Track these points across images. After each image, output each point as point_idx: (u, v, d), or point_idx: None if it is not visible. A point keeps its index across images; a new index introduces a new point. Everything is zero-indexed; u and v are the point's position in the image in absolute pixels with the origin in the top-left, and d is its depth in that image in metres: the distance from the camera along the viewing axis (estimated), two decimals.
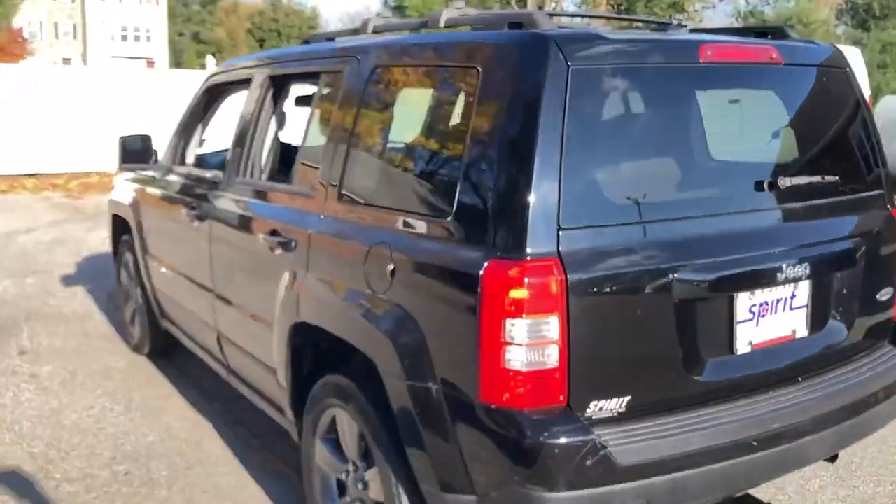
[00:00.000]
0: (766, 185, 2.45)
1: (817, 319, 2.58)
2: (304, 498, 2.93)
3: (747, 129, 3.10)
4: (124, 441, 3.75)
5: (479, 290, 2.07)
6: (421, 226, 2.36)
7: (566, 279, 2.05)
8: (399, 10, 31.62)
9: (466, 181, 2.22)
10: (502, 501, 2.13)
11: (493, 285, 2.06)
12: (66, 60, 51.87)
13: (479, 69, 2.29)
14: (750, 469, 2.30)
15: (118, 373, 4.58)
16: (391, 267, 2.35)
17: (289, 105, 3.72)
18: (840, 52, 2.83)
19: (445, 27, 2.76)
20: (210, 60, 18.09)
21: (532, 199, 2.07)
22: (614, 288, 2.14)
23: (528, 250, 2.05)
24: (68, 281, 6.57)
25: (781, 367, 2.51)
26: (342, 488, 2.70)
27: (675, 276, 2.22)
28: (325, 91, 3.16)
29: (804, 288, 2.52)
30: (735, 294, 2.36)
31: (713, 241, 2.34)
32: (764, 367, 2.46)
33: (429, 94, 2.83)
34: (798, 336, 2.54)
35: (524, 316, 2.03)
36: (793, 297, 2.50)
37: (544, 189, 2.08)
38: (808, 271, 2.49)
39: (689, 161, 2.64)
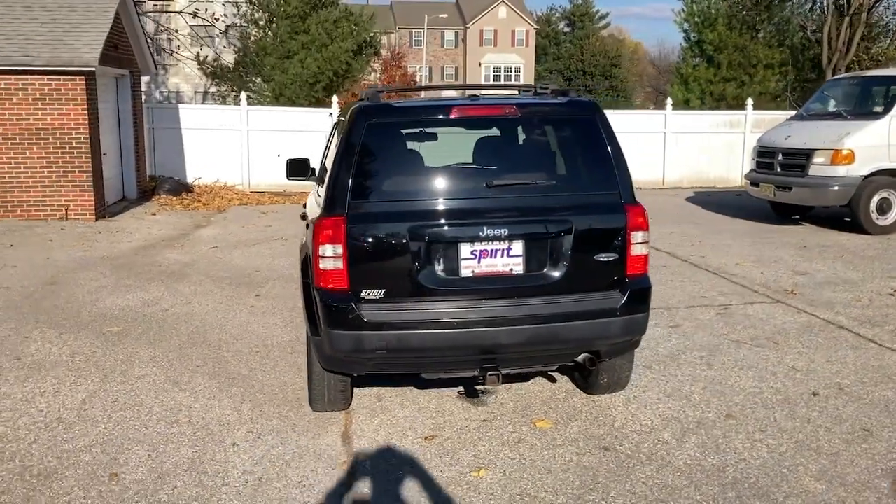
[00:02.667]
0: (485, 184, 4.36)
1: (532, 265, 4.35)
2: None
3: (487, 152, 4.86)
4: None
5: (314, 230, 4.38)
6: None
7: (346, 227, 4.23)
8: None
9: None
10: (322, 334, 4.35)
11: (317, 227, 4.33)
12: None
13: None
14: (449, 340, 4.23)
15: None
16: None
17: None
18: (587, 106, 4.53)
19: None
20: None
21: (338, 187, 4.30)
22: (376, 233, 4.24)
23: (332, 212, 4.29)
24: None
25: (498, 288, 4.34)
26: None
27: (421, 227, 4.23)
28: None
29: (519, 244, 4.33)
30: (459, 243, 4.30)
31: (449, 212, 4.31)
32: (483, 286, 4.34)
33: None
34: (515, 273, 4.36)
35: (327, 242, 4.26)
36: (509, 249, 4.33)
37: (343, 182, 4.29)
38: (521, 233, 4.30)
39: (442, 171, 4.52)
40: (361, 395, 5.21)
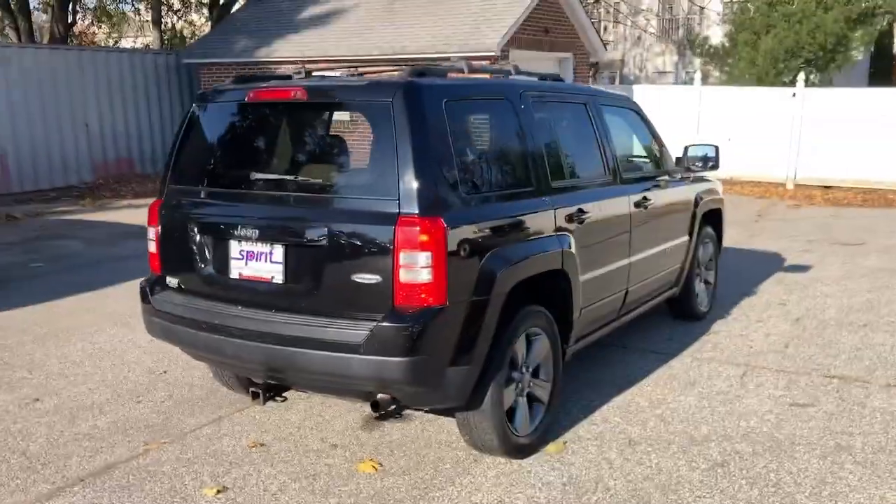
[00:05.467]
0: (254, 178, 3.76)
1: (291, 276, 3.66)
2: None
3: (270, 140, 3.93)
4: None
5: None
6: None
7: (158, 210, 4.18)
8: None
9: None
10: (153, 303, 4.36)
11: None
12: None
13: None
14: (204, 341, 3.86)
15: None
16: None
17: None
18: (386, 89, 3.53)
19: None
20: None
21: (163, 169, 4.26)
22: (171, 220, 4.08)
23: (159, 195, 4.28)
24: None
25: (258, 296, 3.77)
26: None
27: (198, 219, 3.97)
28: None
29: (280, 249, 3.69)
30: (229, 241, 3.85)
31: (222, 207, 3.91)
32: (245, 291, 3.82)
33: None
34: (275, 281, 3.72)
35: (148, 224, 4.29)
36: (271, 253, 3.72)
37: (165, 164, 4.24)
38: (282, 237, 3.67)
39: (228, 161, 4.08)
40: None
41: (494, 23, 14.14)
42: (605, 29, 30.76)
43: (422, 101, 3.52)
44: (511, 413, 3.99)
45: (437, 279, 3.39)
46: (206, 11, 26.34)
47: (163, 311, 4.08)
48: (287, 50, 15.88)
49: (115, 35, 31.36)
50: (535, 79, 4.81)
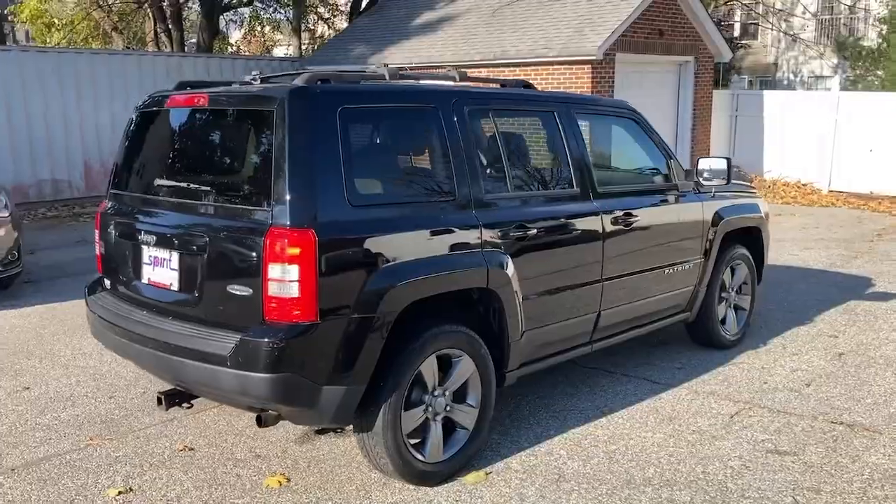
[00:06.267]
0: (160, 184, 3.77)
1: (183, 283, 3.65)
2: None
3: (179, 147, 3.82)
4: None
5: None
6: None
7: (100, 214, 4.31)
8: None
9: None
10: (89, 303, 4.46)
11: None
12: None
13: None
14: (120, 345, 3.92)
15: None
16: None
17: None
18: (272, 97, 3.43)
19: None
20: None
21: (113, 172, 4.39)
22: (103, 223, 4.18)
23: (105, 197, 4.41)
24: None
25: (160, 302, 3.78)
26: None
27: (117, 222, 4.05)
28: None
29: (176, 256, 3.69)
30: (142, 245, 3.89)
31: (136, 211, 3.97)
32: (152, 296, 3.84)
33: None
34: (172, 288, 3.72)
35: (96, 228, 4.42)
36: (170, 260, 3.73)
37: (115, 167, 4.37)
38: (177, 245, 3.68)
39: (148, 167, 4.12)
40: None
41: (598, 26, 13.66)
42: (756, 31, 29.05)
43: (305, 109, 3.40)
44: (425, 438, 3.79)
45: (306, 294, 3.27)
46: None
47: (95, 312, 4.19)
48: (397, 56, 16.09)
49: (269, 43, 33.00)
50: (497, 86, 4.56)
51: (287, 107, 3.38)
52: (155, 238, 3.81)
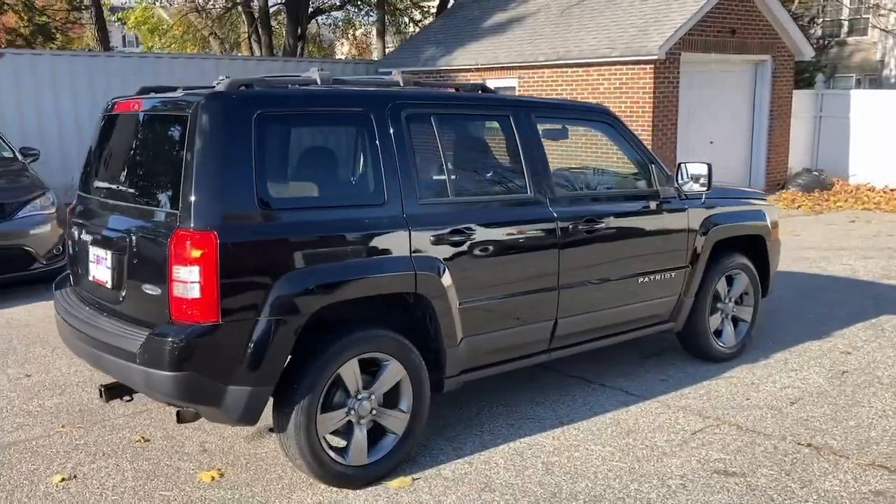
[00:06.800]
0: (99, 185, 3.96)
1: (115, 281, 3.82)
2: None
3: (118, 149, 3.93)
4: None
5: None
6: None
7: (69, 210, 4.55)
8: None
9: None
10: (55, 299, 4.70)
11: None
12: None
13: None
14: (68, 339, 4.13)
15: None
16: None
17: None
18: (189, 103, 3.53)
19: None
20: None
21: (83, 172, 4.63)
22: (70, 229, 4.42)
23: None
24: None
25: (99, 299, 3.96)
26: None
27: (72, 220, 4.27)
28: None
29: (109, 254, 3.86)
30: (88, 244, 4.08)
31: (82, 211, 4.18)
32: (94, 293, 4.03)
33: None
34: (107, 286, 3.89)
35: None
36: (106, 258, 3.90)
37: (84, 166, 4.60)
38: (109, 244, 3.85)
39: (95, 168, 4.28)
40: None
41: (662, 25, 13.30)
42: (860, 27, 27.52)
43: (218, 115, 3.49)
44: (349, 441, 3.83)
45: (208, 295, 3.36)
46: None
47: (56, 307, 4.42)
48: (463, 58, 16.14)
49: (362, 46, 33.73)
50: (452, 90, 4.53)
51: (199, 112, 3.48)
52: (97, 238, 4.00)
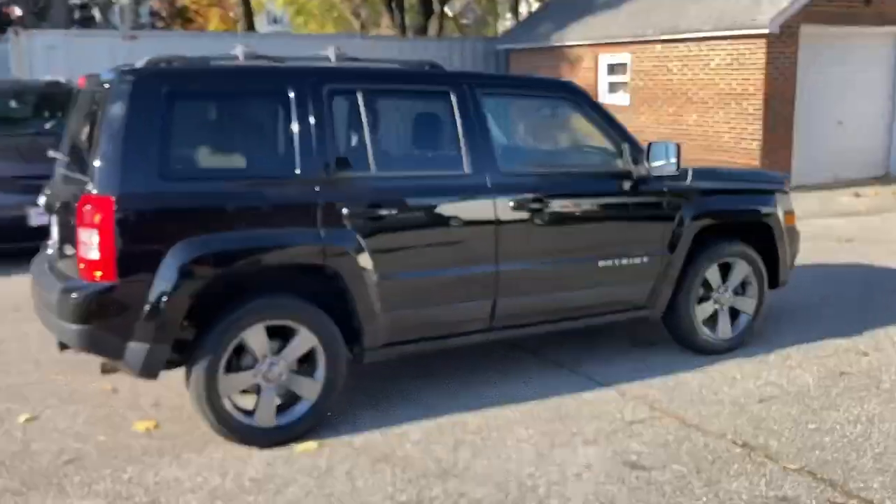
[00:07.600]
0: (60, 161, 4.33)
1: (58, 245, 4.17)
2: None
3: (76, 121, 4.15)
4: None
5: None
6: None
7: None
8: None
9: None
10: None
11: None
12: None
13: None
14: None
15: None
16: None
17: None
18: (108, 79, 3.79)
19: None
20: None
21: None
22: None
23: None
24: None
25: (50, 262, 4.32)
26: None
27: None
28: None
29: (55, 220, 4.21)
30: (50, 213, 4.46)
31: (53, 181, 4.53)
32: (49, 257, 4.39)
33: None
34: (55, 247, 4.24)
35: None
36: (53, 224, 4.27)
37: None
38: (56, 211, 4.20)
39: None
40: None
41: None
42: None
43: (128, 90, 3.73)
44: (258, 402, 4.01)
45: (105, 256, 3.63)
46: None
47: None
48: (577, 34, 15.80)
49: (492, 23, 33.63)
50: (396, 65, 4.54)
51: (113, 87, 3.75)
52: (50, 205, 4.38)
